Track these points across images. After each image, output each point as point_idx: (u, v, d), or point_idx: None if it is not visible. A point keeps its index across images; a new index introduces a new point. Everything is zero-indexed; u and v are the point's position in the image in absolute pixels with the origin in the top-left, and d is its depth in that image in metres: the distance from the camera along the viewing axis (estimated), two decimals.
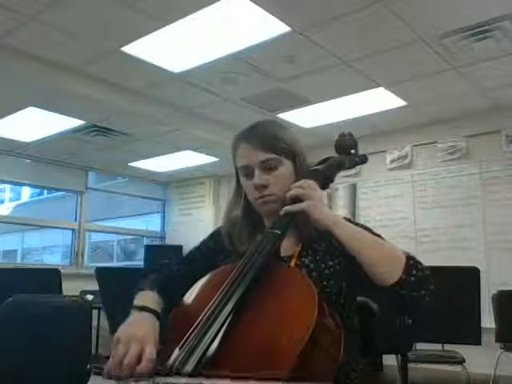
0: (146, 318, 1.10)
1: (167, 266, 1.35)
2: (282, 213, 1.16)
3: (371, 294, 1.34)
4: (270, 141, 1.24)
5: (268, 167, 1.23)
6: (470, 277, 2.83)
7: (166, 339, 1.08)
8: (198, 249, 1.38)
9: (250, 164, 1.24)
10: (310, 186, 1.17)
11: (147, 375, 0.94)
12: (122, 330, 1.04)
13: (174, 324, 1.11)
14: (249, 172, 1.25)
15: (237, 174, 1.32)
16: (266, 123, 1.32)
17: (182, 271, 1.31)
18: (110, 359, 0.98)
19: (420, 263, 1.11)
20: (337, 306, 1.11)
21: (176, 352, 0.98)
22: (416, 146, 5.41)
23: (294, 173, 1.26)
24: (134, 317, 1.11)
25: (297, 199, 1.15)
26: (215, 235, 1.38)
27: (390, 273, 1.07)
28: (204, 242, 1.39)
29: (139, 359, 0.97)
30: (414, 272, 1.08)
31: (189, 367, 0.92)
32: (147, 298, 1.18)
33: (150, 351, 0.98)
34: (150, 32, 3.44)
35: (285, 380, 0.87)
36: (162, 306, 1.18)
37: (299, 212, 1.15)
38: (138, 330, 1.03)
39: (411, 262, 1.10)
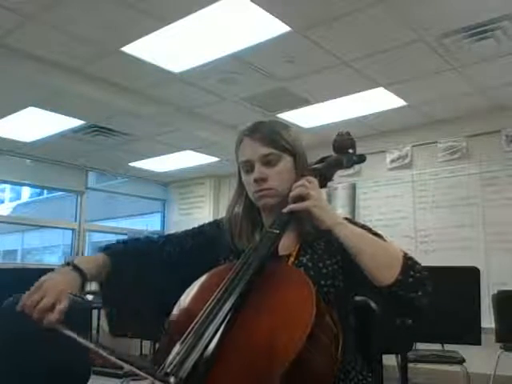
0: (71, 276, 1.16)
1: (150, 240, 1.39)
2: (285, 210, 1.17)
3: (370, 293, 1.34)
4: (272, 137, 1.26)
5: (268, 162, 1.25)
6: (470, 277, 2.82)
7: (164, 335, 1.09)
8: (192, 231, 1.42)
9: (251, 158, 1.26)
10: (312, 184, 1.18)
11: (56, 324, 1.05)
12: (46, 278, 1.12)
13: (173, 321, 1.12)
14: (250, 167, 1.27)
15: (239, 172, 1.33)
16: (270, 121, 1.35)
17: (166, 250, 1.35)
18: (27, 295, 1.08)
19: (418, 264, 1.11)
20: (334, 305, 1.11)
21: (176, 349, 0.98)
22: (416, 145, 5.40)
23: (294, 169, 1.27)
24: (64, 271, 1.17)
25: (300, 198, 1.16)
26: (215, 226, 1.40)
27: (388, 274, 1.07)
28: (202, 226, 1.43)
29: (52, 308, 1.06)
30: (412, 273, 1.08)
31: (188, 365, 0.92)
32: (93, 260, 1.25)
33: (63, 304, 1.08)
34: (150, 32, 3.45)
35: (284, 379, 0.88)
36: (106, 270, 1.25)
37: (302, 210, 1.16)
38: (59, 283, 1.12)
39: (409, 263, 1.09)
